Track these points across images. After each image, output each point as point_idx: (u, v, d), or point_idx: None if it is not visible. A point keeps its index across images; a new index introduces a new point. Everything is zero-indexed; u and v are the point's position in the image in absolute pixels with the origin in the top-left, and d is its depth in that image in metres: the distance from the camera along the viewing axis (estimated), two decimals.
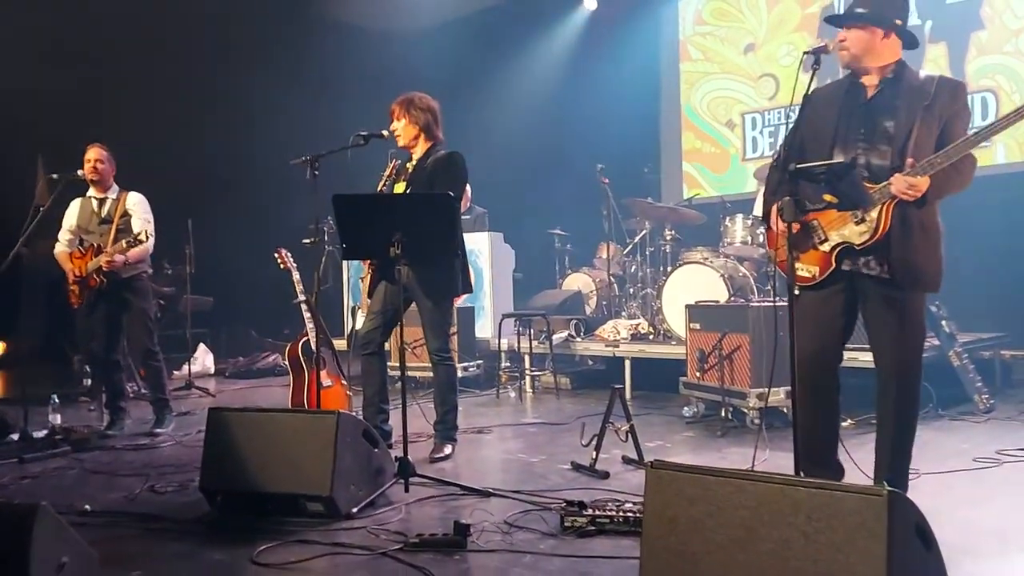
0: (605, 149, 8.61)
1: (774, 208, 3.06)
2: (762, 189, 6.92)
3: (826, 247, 3.03)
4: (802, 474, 2.77)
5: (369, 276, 4.48)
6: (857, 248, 2.96)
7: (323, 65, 9.82)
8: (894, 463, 3.05)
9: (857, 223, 2.94)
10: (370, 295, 4.46)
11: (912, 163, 2.81)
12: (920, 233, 2.93)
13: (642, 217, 7.65)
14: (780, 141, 7.74)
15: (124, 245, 4.94)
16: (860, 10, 2.96)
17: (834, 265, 3.02)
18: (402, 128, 4.32)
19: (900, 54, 3.02)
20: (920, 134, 2.88)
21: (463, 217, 4.75)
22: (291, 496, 3.26)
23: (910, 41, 3.03)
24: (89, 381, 6.82)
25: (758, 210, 6.90)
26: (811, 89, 2.95)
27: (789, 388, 3.14)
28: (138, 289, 5.21)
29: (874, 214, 2.90)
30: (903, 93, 2.94)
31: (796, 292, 2.95)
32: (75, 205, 5.29)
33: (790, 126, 3.10)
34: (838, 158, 2.98)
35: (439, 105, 4.39)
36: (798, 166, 2.89)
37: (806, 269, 3.08)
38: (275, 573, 2.74)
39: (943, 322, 5.38)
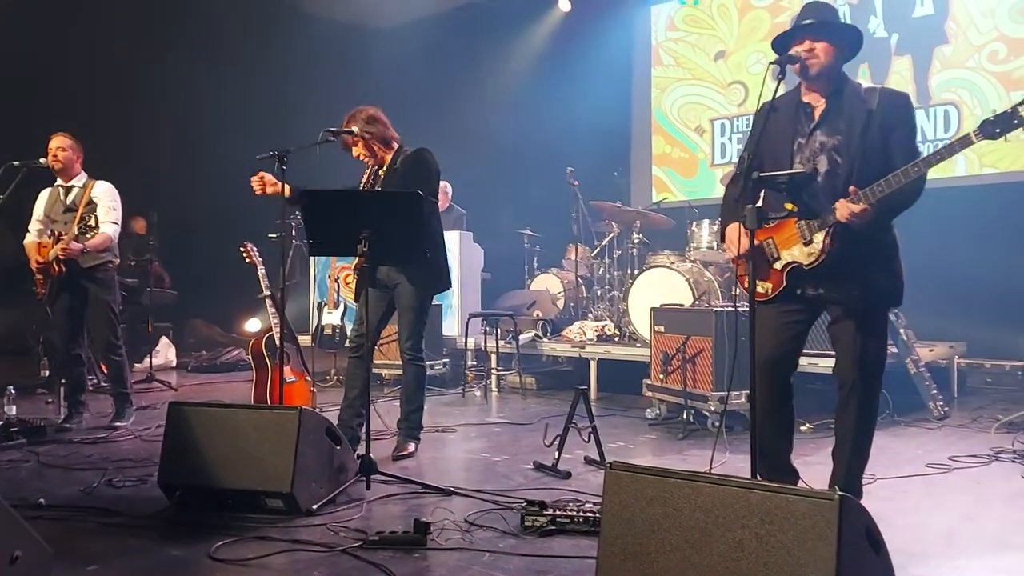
0: (575, 151, 8.66)
1: (730, 227, 3.10)
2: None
3: (778, 265, 3.10)
4: (759, 477, 2.82)
5: (351, 277, 4.46)
6: (805, 268, 3.03)
7: (294, 59, 9.75)
8: (850, 472, 3.12)
9: (805, 244, 3.01)
10: (356, 298, 4.45)
11: (854, 191, 2.87)
12: (872, 251, 2.99)
13: (610, 220, 7.70)
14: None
15: (76, 231, 4.87)
16: (810, 21, 3.02)
17: (785, 283, 3.08)
18: (363, 149, 4.29)
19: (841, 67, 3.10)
20: (866, 151, 2.94)
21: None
22: (251, 492, 3.24)
23: (856, 50, 3.11)
24: (47, 373, 6.72)
25: None
26: (772, 98, 3.03)
27: (749, 392, 3.20)
28: (101, 280, 5.14)
29: (820, 236, 2.97)
30: (847, 109, 3.00)
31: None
32: (44, 194, 5.25)
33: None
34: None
35: (377, 109, 4.36)
36: (761, 175, 2.94)
37: (760, 285, 3.13)
38: (233, 569, 2.72)
39: (901, 330, 5.49)
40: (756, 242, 2.96)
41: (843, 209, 2.87)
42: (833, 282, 3.02)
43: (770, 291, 3.12)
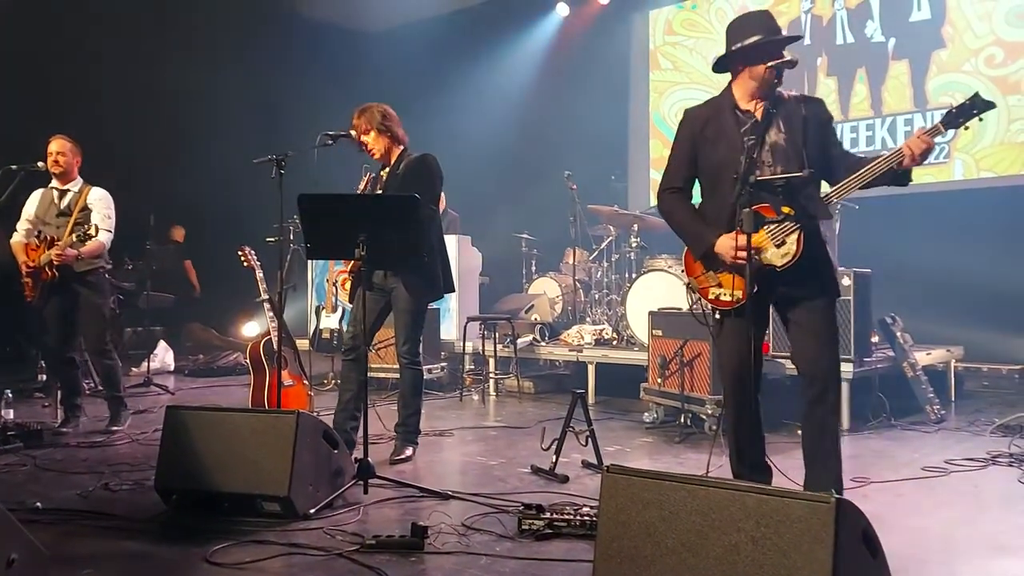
0: (573, 155, 8.67)
1: (721, 240, 3.11)
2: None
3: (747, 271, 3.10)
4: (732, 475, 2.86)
5: (348, 280, 4.46)
6: (779, 270, 3.06)
7: (293, 63, 9.76)
8: (837, 466, 3.14)
9: (778, 246, 3.05)
10: (351, 300, 4.44)
11: (809, 174, 3.03)
12: (824, 247, 3.13)
13: (608, 223, 7.70)
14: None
15: (73, 239, 4.86)
16: (759, 37, 3.09)
17: (757, 287, 3.08)
18: (373, 141, 4.29)
19: None
20: (809, 150, 3.07)
21: None
22: (248, 496, 3.24)
23: None
24: (44, 377, 6.71)
25: None
26: (773, 103, 3.10)
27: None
28: (93, 284, 5.11)
29: (793, 238, 3.03)
30: (786, 113, 3.12)
31: (717, 317, 3.15)
32: (36, 195, 5.20)
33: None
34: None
35: (388, 107, 4.38)
36: (759, 178, 2.96)
37: (728, 294, 3.14)
38: (229, 572, 2.72)
39: (898, 334, 5.50)
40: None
41: (917, 146, 2.92)
42: (800, 279, 3.08)
43: (741, 297, 3.12)
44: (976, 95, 2.92)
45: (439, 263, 4.34)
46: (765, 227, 3.05)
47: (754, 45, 3.07)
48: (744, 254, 2.98)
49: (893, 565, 2.16)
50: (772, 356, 5.27)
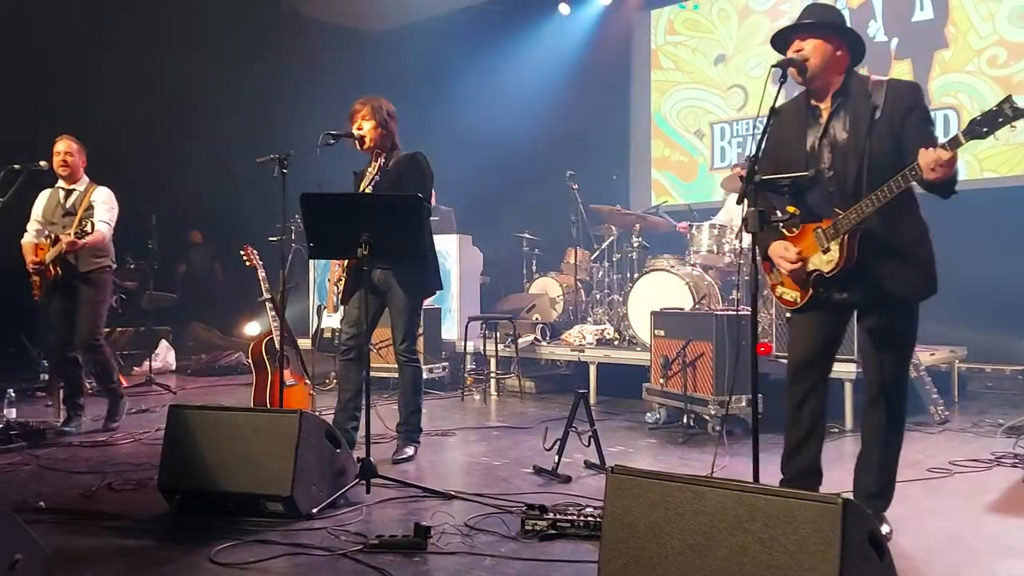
0: (575, 155, 8.66)
1: (773, 246, 3.05)
2: (730, 199, 7.00)
3: (804, 273, 3.05)
4: (776, 481, 2.81)
5: (343, 280, 4.45)
6: (827, 276, 2.97)
7: (296, 63, 9.75)
8: (883, 477, 3.10)
9: (824, 252, 2.96)
10: (345, 301, 4.43)
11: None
12: (890, 247, 2.93)
13: (610, 223, 7.70)
14: (748, 152, 7.87)
15: (71, 235, 4.86)
16: (807, 20, 2.99)
17: (812, 291, 3.03)
18: (370, 131, 4.29)
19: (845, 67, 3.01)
20: (873, 152, 2.87)
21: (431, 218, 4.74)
22: (251, 496, 3.23)
23: (859, 53, 3.03)
24: (47, 376, 6.71)
25: (723, 218, 6.98)
26: (777, 103, 2.98)
27: (750, 396, 3.20)
28: (96, 282, 5.09)
29: (835, 245, 2.92)
30: (854, 110, 2.93)
31: (787, 315, 3.06)
32: (43, 195, 5.22)
33: (757, 138, 3.10)
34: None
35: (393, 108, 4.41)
36: (764, 178, 2.93)
37: (789, 294, 3.11)
38: (233, 573, 2.71)
39: None
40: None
41: (930, 158, 2.64)
42: (856, 284, 2.96)
43: (799, 299, 3.07)
44: (1008, 99, 2.56)
45: (434, 260, 4.36)
46: (813, 231, 2.96)
47: (782, 30, 3.01)
48: (791, 264, 2.96)
49: (899, 567, 2.15)
50: (775, 357, 5.27)
